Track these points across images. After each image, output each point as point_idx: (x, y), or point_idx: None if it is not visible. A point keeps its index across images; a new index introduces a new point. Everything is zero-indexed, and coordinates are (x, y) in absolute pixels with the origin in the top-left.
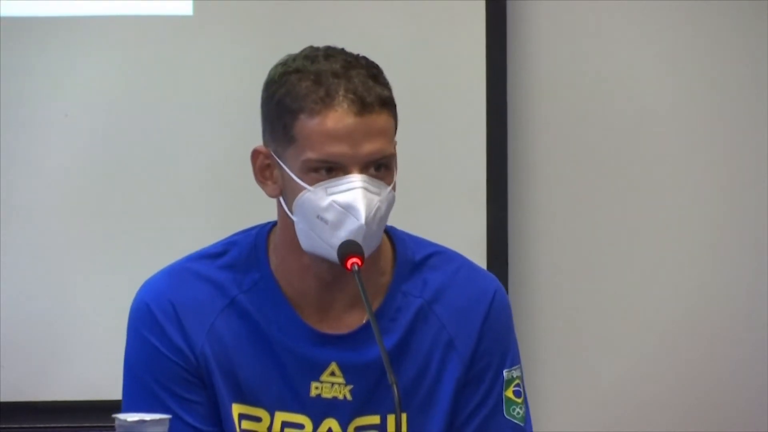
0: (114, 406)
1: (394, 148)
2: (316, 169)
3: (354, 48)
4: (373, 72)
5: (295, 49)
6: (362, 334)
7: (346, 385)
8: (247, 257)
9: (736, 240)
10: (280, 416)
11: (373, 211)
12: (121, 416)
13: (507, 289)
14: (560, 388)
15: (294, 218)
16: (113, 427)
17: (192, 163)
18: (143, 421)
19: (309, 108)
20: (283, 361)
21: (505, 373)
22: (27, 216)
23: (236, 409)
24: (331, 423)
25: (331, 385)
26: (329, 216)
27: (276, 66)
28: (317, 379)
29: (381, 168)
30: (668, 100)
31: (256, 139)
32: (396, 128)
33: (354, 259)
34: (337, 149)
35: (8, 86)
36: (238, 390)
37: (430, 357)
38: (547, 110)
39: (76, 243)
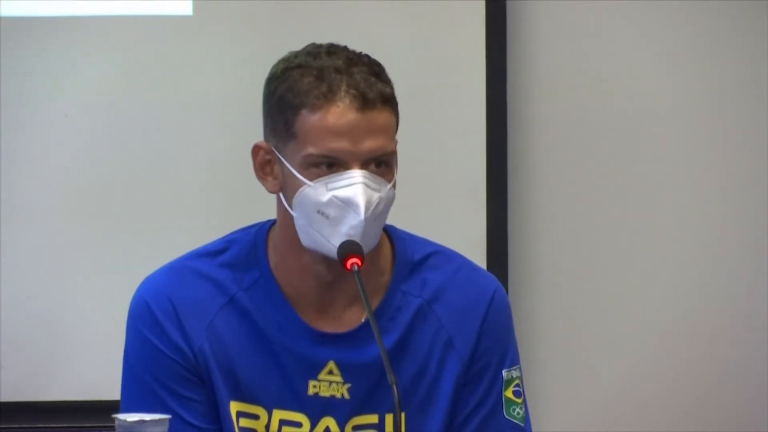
0: (114, 406)
1: (395, 145)
2: (316, 165)
3: (354, 48)
4: (375, 69)
5: (295, 49)
6: (361, 333)
7: (343, 383)
8: (246, 255)
9: (736, 240)
10: (278, 414)
11: (372, 207)
12: (121, 416)
13: (507, 289)
14: (560, 388)
15: (294, 214)
16: (113, 427)
17: (192, 163)
18: (143, 421)
19: (311, 103)
20: (282, 360)
21: (504, 373)
22: (27, 216)
23: (234, 406)
24: (329, 422)
25: (329, 383)
26: (329, 211)
27: (278, 62)
28: (315, 378)
29: (381, 165)
30: (668, 100)
31: (256, 139)
32: (397, 126)
33: (354, 259)
34: (338, 145)
35: (8, 86)
36: (237, 388)
37: (429, 357)
38: (547, 110)
39: (76, 243)
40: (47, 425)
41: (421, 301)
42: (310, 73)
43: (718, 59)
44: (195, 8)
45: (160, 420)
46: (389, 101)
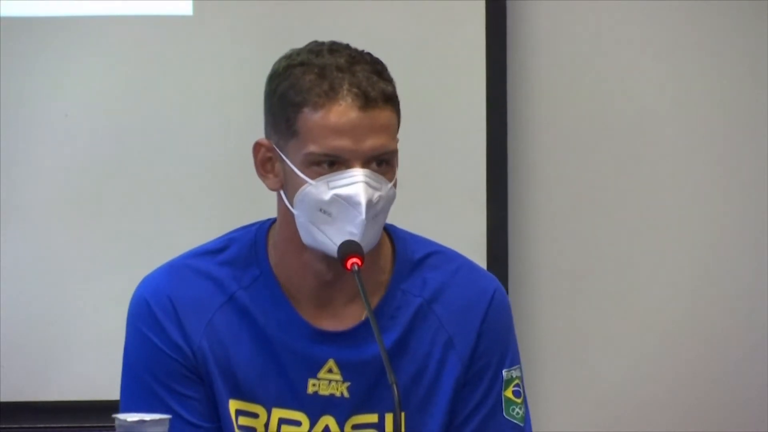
0: (114, 406)
1: (397, 144)
2: (318, 163)
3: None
4: (377, 68)
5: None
6: (361, 331)
7: (343, 382)
8: (246, 253)
9: (736, 240)
10: (277, 413)
11: (374, 206)
12: (121, 416)
13: (507, 289)
14: (560, 388)
15: (295, 212)
16: (113, 427)
17: (192, 163)
18: (143, 421)
19: (312, 101)
20: (281, 358)
21: (504, 373)
22: (27, 216)
23: (233, 405)
24: (328, 420)
25: (329, 382)
26: (331, 209)
27: (280, 59)
28: (315, 376)
29: (383, 164)
30: (668, 100)
31: (256, 139)
32: (399, 125)
33: (354, 259)
34: (340, 143)
35: (8, 86)
36: (236, 386)
37: (429, 356)
38: (547, 110)
39: (76, 243)
40: (47, 425)
41: (421, 301)
42: (312, 71)
43: (718, 59)
44: (195, 8)
45: (160, 420)
46: (391, 100)
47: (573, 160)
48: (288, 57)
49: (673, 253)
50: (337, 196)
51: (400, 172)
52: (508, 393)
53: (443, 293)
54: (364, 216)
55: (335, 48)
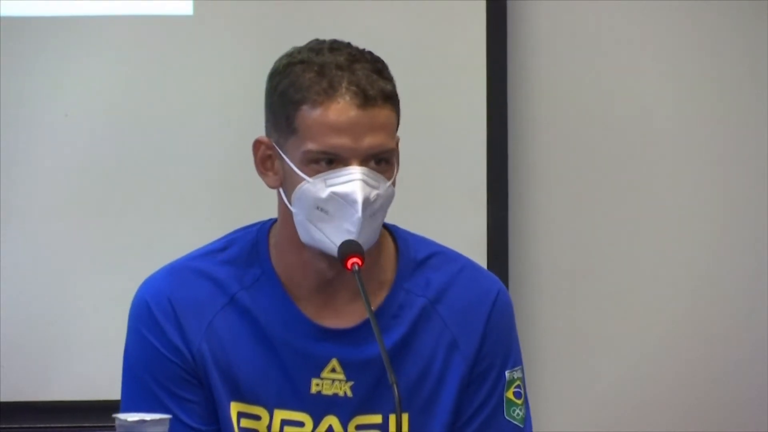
0: (114, 406)
1: (396, 143)
2: (316, 161)
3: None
4: (377, 66)
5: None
6: (364, 329)
7: (346, 381)
8: (248, 253)
9: (736, 240)
10: (280, 414)
11: (371, 204)
12: (122, 416)
13: (507, 289)
14: (560, 388)
15: (293, 210)
16: (113, 427)
17: (192, 162)
18: (143, 421)
19: (312, 99)
20: (284, 358)
21: (506, 374)
22: (27, 216)
23: (235, 407)
24: (332, 420)
25: (332, 381)
26: (328, 207)
27: (281, 57)
28: (318, 376)
29: (381, 162)
30: (668, 100)
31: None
32: (398, 124)
33: (354, 259)
34: (338, 141)
35: (8, 86)
36: (237, 388)
37: (433, 357)
38: (547, 110)
39: (76, 243)
40: (47, 425)
41: (425, 301)
42: (311, 69)
43: (718, 59)
44: (195, 8)
45: (160, 420)
46: (390, 98)
47: (573, 160)
48: (289, 55)
49: (673, 253)
50: (334, 193)
51: (401, 171)
52: (509, 394)
53: (446, 294)
54: (360, 214)
55: (336, 46)
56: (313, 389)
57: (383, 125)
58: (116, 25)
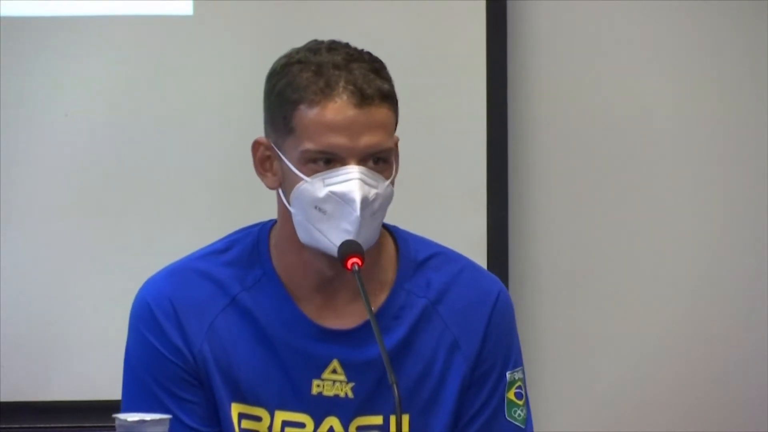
0: (114, 406)
1: (395, 143)
2: (314, 160)
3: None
4: (375, 66)
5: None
6: (365, 330)
7: (347, 382)
8: (249, 254)
9: (736, 240)
10: (281, 415)
11: (369, 203)
12: (122, 416)
13: (507, 289)
14: (560, 388)
15: (292, 210)
16: (113, 427)
17: (192, 162)
18: (143, 421)
19: (309, 99)
20: (285, 359)
21: (507, 374)
22: (27, 216)
23: (236, 408)
24: (333, 421)
25: (333, 382)
26: (326, 207)
27: (279, 58)
28: (319, 377)
29: (379, 161)
30: (668, 100)
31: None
32: (396, 123)
33: (354, 259)
34: (336, 140)
35: (8, 86)
36: (238, 389)
37: (434, 358)
38: (547, 110)
39: (76, 243)
40: (47, 425)
41: (426, 302)
42: (308, 69)
43: (718, 59)
44: (195, 8)
45: (160, 420)
46: (388, 98)
47: (573, 160)
48: (287, 55)
49: (673, 253)
50: (332, 193)
51: (401, 171)
52: (511, 395)
53: (447, 294)
54: (358, 213)
55: (333, 46)
56: (314, 390)
57: (381, 124)
58: (116, 25)
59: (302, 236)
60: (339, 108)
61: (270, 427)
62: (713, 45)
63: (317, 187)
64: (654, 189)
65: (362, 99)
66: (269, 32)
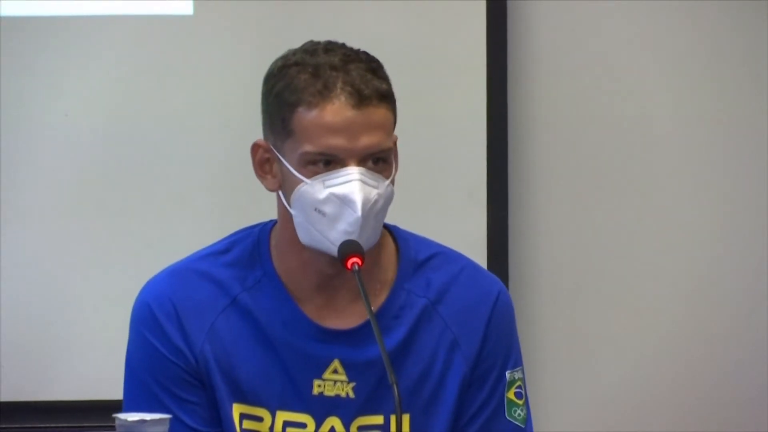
0: (114, 406)
1: (394, 143)
2: (313, 162)
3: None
4: (372, 66)
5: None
6: (365, 330)
7: (348, 382)
8: (250, 255)
9: (736, 240)
10: (282, 416)
11: (370, 204)
12: (122, 416)
13: (507, 289)
14: (560, 388)
15: (292, 212)
16: (113, 427)
17: (192, 162)
18: (144, 421)
19: (307, 101)
20: (286, 359)
21: (507, 374)
22: (27, 216)
23: (237, 409)
24: (334, 421)
25: (334, 383)
26: (327, 208)
27: (276, 60)
28: (320, 377)
29: (379, 162)
30: (668, 101)
31: (256, 139)
32: (395, 123)
33: (354, 259)
34: (335, 142)
35: (8, 86)
36: (239, 390)
37: (434, 357)
38: (547, 110)
39: (76, 243)
40: (47, 425)
41: (426, 302)
42: (306, 71)
43: (718, 59)
44: (195, 8)
45: (160, 420)
46: (386, 98)
47: (573, 160)
48: (284, 57)
49: (674, 253)
50: (332, 194)
51: (401, 171)
52: (510, 395)
53: (447, 294)
54: (359, 214)
55: (330, 47)
56: (315, 390)
57: (379, 125)
58: (116, 25)
59: (303, 237)
60: (337, 109)
61: (271, 428)
62: (713, 45)
63: (317, 189)
64: (654, 189)
65: (360, 100)
66: (269, 32)
